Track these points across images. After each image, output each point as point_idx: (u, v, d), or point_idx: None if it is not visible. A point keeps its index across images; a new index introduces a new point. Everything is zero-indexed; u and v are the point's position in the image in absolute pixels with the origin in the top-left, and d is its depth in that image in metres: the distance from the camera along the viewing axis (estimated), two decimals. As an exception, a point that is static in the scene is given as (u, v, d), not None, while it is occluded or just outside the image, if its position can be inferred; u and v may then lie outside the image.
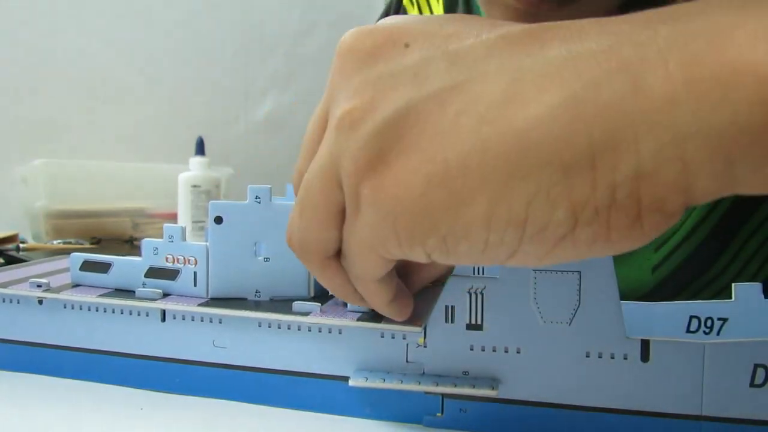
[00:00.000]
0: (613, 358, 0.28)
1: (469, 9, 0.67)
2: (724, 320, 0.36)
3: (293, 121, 1.44)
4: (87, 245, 0.97)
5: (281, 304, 0.33)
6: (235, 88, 1.38)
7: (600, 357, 0.28)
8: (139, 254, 0.36)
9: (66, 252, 0.82)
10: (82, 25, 1.20)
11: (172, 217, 1.10)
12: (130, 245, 1.02)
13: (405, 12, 0.79)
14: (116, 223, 1.08)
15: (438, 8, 0.74)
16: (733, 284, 0.36)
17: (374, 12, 1.52)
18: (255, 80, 1.40)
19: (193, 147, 1.07)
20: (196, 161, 1.07)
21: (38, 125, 1.16)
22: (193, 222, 1.05)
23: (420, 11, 0.77)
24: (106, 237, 1.05)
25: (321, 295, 0.35)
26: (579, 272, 0.28)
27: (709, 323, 0.36)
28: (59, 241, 1.00)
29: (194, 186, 1.05)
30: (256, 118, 1.41)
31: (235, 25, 1.38)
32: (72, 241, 1.00)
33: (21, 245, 0.86)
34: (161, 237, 0.35)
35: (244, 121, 1.39)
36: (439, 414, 0.30)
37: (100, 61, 1.23)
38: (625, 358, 0.28)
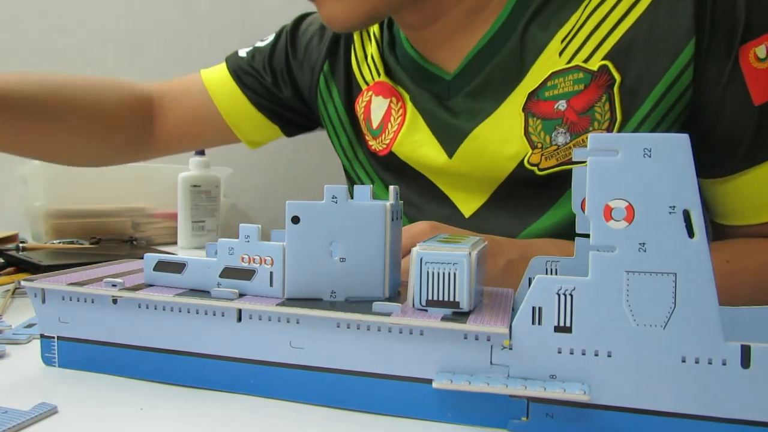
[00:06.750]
0: (710, 363, 0.27)
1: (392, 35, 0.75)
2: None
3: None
4: (87, 245, 0.96)
5: (358, 304, 0.32)
6: (235, 88, 1.37)
7: (696, 362, 0.28)
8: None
9: (66, 252, 0.81)
10: (83, 24, 1.19)
11: (172, 217, 1.09)
12: (130, 245, 1.01)
13: (352, 40, 0.82)
14: (116, 223, 1.06)
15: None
16: None
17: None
18: (255, 81, 1.39)
19: (192, 147, 1.06)
20: (195, 161, 1.06)
21: (38, 123, 1.14)
22: (193, 222, 1.04)
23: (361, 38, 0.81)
24: (106, 237, 1.03)
25: (395, 297, 0.34)
26: (675, 274, 0.28)
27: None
28: (59, 241, 0.98)
29: (194, 186, 1.04)
30: (256, 119, 1.39)
31: (235, 25, 1.36)
32: (72, 241, 0.99)
33: (21, 245, 0.84)
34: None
35: (244, 122, 1.38)
36: (524, 418, 0.30)
37: (100, 61, 1.21)
38: (724, 364, 0.27)
